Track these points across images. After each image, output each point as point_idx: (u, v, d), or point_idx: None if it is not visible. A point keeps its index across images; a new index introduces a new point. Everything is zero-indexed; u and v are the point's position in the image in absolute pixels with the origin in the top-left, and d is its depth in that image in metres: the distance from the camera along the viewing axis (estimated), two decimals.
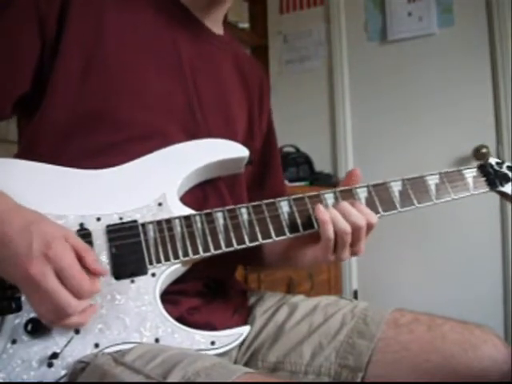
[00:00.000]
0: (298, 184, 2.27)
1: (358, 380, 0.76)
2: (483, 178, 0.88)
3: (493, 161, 0.91)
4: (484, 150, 2.14)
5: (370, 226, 0.77)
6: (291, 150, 2.43)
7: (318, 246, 0.77)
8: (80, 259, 0.62)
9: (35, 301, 0.61)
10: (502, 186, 0.88)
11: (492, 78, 2.20)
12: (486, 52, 2.21)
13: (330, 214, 0.74)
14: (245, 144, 0.84)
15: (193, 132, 0.81)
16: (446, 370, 0.74)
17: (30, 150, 0.76)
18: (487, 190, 0.88)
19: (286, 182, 2.15)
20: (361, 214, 0.75)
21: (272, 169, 1.02)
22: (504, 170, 0.90)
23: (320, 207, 0.75)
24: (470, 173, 0.88)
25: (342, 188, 0.80)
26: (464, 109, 2.22)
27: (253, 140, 0.96)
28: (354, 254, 0.79)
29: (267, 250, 0.93)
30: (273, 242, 0.76)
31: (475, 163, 0.91)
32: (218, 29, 0.93)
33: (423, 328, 0.79)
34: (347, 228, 0.74)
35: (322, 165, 2.48)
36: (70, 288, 0.60)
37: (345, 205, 0.76)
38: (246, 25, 2.53)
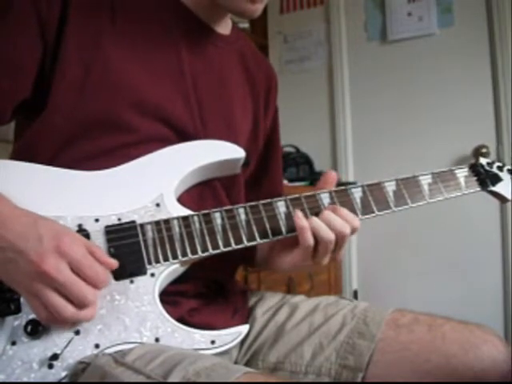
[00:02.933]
0: (298, 184, 2.27)
1: (359, 380, 0.76)
2: (475, 178, 0.89)
3: (484, 161, 0.92)
4: (484, 150, 2.14)
5: (353, 231, 0.76)
6: (291, 150, 2.43)
7: (296, 251, 0.77)
8: (90, 254, 0.63)
9: (47, 299, 0.60)
10: (493, 185, 0.90)
11: (492, 78, 2.20)
12: (486, 52, 2.21)
13: (314, 223, 0.73)
14: (247, 147, 0.84)
15: (191, 138, 0.81)
16: (446, 370, 0.74)
17: (28, 152, 0.75)
18: (479, 189, 0.89)
19: (286, 182, 2.15)
20: (345, 220, 0.75)
21: (270, 169, 1.02)
22: (494, 170, 0.91)
23: (298, 213, 0.74)
24: (462, 172, 0.89)
25: (337, 188, 0.81)
26: (464, 109, 2.22)
27: (256, 141, 0.96)
28: (332, 259, 0.78)
29: (258, 252, 0.93)
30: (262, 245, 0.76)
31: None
32: (223, 28, 0.91)
33: (423, 328, 0.79)
34: (331, 236, 0.74)
35: (322, 165, 2.48)
36: (85, 278, 0.61)
37: (328, 214, 0.75)
38: (246, 25, 2.53)
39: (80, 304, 0.61)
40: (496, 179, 0.90)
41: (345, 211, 0.76)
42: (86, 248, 0.63)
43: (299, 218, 0.74)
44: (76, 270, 0.61)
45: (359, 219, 0.78)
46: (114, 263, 0.65)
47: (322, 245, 0.74)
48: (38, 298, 0.60)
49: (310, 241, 0.74)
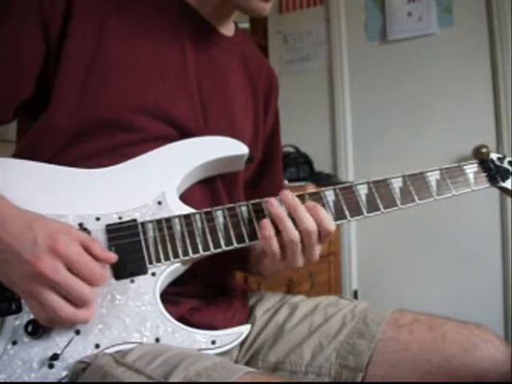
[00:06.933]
0: (297, 184, 2.27)
1: (359, 380, 0.76)
2: (484, 174, 0.87)
3: (494, 156, 0.90)
4: (484, 150, 2.14)
5: (324, 233, 0.73)
6: (291, 150, 2.43)
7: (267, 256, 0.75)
8: (86, 250, 0.63)
9: (44, 299, 0.60)
10: (503, 181, 0.88)
11: (492, 77, 2.20)
12: (486, 52, 2.21)
13: (281, 220, 0.71)
14: (250, 146, 0.84)
15: (194, 137, 0.81)
16: (446, 370, 0.74)
17: (30, 151, 0.75)
18: (488, 185, 0.87)
19: (286, 182, 2.14)
20: (314, 217, 0.72)
21: (270, 170, 1.01)
22: (505, 165, 0.89)
23: (265, 222, 0.72)
24: (471, 168, 0.87)
25: (342, 185, 0.80)
26: (464, 109, 2.22)
27: (257, 143, 0.95)
28: (307, 261, 0.75)
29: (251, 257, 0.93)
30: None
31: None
32: (227, 30, 0.92)
33: (423, 328, 0.79)
34: (295, 237, 0.71)
35: (321, 165, 2.48)
36: (82, 277, 0.61)
37: (299, 210, 0.72)
38: (246, 25, 2.53)
39: (79, 302, 0.61)
40: (506, 174, 0.88)
41: (320, 210, 0.73)
42: (82, 245, 0.62)
43: (265, 227, 0.71)
44: (72, 269, 0.61)
45: (364, 217, 0.78)
46: (113, 257, 0.65)
47: (288, 246, 0.72)
48: (35, 298, 0.60)
49: (275, 249, 0.72)
